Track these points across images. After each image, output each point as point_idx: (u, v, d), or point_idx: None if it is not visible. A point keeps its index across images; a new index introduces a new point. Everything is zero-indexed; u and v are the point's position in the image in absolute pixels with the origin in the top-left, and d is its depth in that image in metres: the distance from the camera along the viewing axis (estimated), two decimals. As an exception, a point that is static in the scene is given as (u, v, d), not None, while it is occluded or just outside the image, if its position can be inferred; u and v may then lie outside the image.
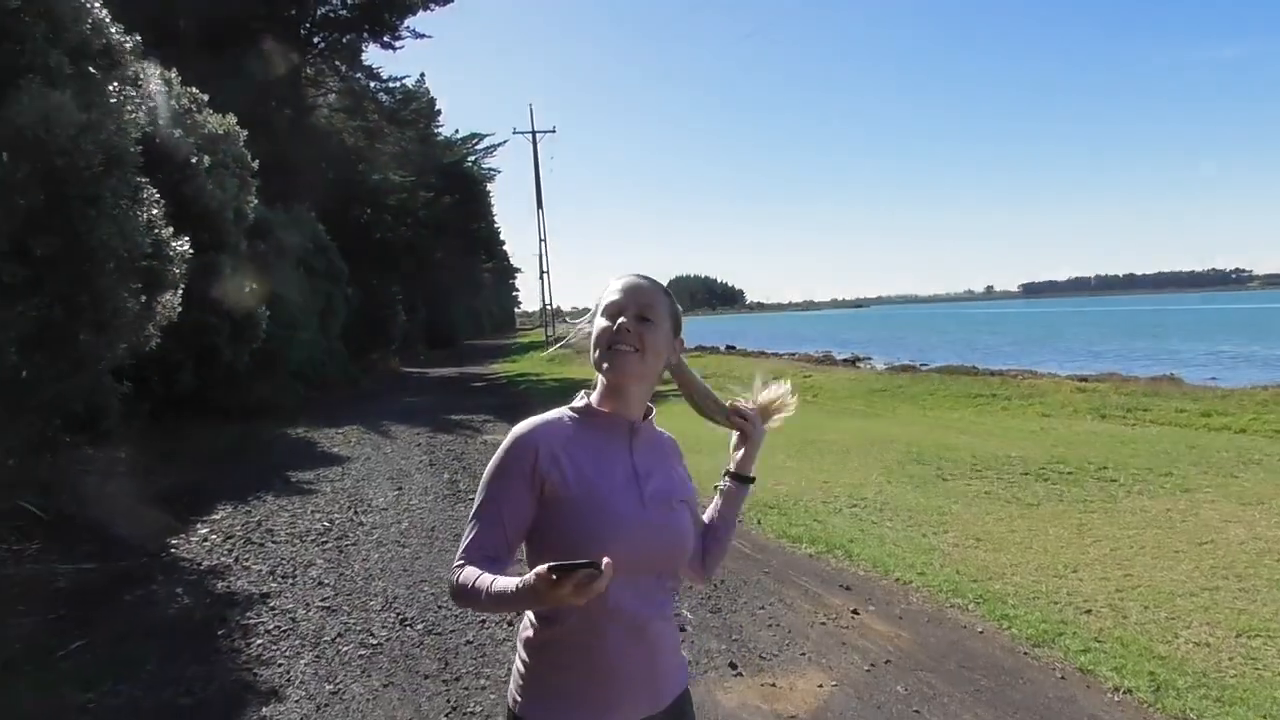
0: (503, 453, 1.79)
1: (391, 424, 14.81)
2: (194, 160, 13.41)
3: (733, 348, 43.47)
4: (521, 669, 1.78)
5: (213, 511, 8.26)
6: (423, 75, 40.39)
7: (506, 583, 1.54)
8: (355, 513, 8.08)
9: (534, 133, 39.87)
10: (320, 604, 5.51)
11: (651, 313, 1.76)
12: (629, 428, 1.80)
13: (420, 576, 6.02)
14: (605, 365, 1.77)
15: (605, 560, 1.38)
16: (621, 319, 1.74)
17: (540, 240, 38.84)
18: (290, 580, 5.99)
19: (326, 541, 7.02)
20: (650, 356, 1.75)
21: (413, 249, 35.88)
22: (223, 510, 8.31)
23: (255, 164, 15.25)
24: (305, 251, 20.25)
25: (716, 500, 2.02)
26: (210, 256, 13.64)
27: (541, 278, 39.90)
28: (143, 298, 7.82)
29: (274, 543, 7.03)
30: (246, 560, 6.53)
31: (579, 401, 1.84)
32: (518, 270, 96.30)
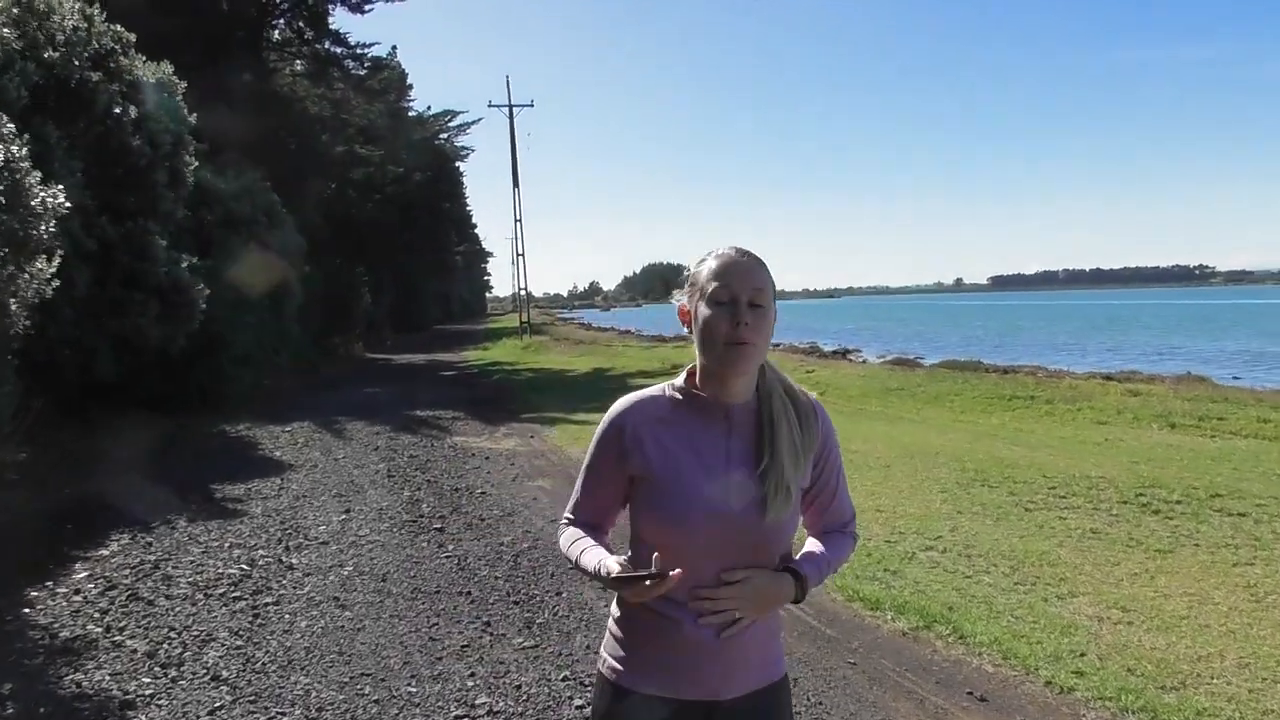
0: (601, 427, 1.81)
1: (348, 420, 12.94)
2: (117, 110, 11.45)
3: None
4: (609, 635, 1.80)
5: (103, 543, 6.40)
6: (394, 48, 38.26)
7: (589, 560, 1.68)
8: (286, 548, 6.25)
9: (510, 106, 37.85)
10: None
11: (763, 297, 1.65)
12: (725, 413, 1.70)
13: (363, 665, 4.22)
14: (721, 362, 1.65)
15: (673, 572, 1.50)
16: (737, 318, 1.62)
17: (516, 220, 36.91)
18: (173, 672, 4.15)
19: (239, 598, 5.20)
20: (764, 345, 1.67)
21: (380, 227, 33.84)
22: (116, 541, 6.45)
23: (193, 118, 13.24)
24: (258, 225, 18.26)
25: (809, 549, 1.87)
26: (137, 223, 11.71)
27: (516, 260, 37.95)
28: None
29: (167, 598, 5.20)
30: (122, 629, 4.69)
31: (680, 379, 1.77)
32: (489, 254, 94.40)
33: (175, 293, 12.32)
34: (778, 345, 33.90)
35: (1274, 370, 24.66)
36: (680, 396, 1.73)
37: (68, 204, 6.74)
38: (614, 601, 1.81)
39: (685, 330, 1.74)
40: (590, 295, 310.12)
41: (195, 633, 4.62)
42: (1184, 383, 17.42)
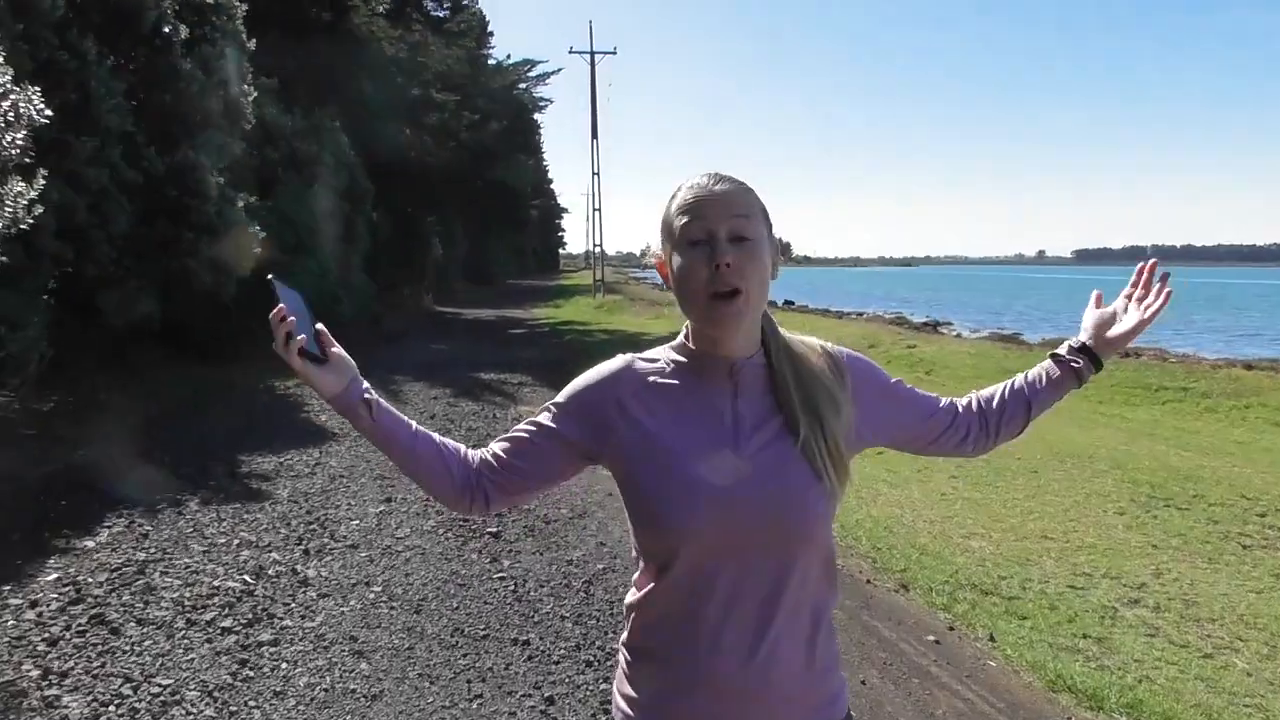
0: (581, 381, 1.44)
1: (406, 380, 11.82)
2: (167, 29, 10.34)
3: (791, 303, 40.34)
4: (620, 665, 1.46)
5: (92, 529, 5.30)
6: (476, -6, 37.00)
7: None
8: (305, 552, 5.06)
9: (592, 53, 36.27)
10: None
11: (749, 227, 1.30)
12: (728, 369, 1.36)
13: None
14: (708, 319, 1.32)
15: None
16: (715, 257, 1.27)
17: (593, 174, 35.47)
18: (106, 761, 2.98)
19: (230, 629, 4.00)
20: (757, 289, 1.30)
21: (453, 176, 32.77)
22: (108, 529, 5.34)
23: (253, 44, 12.09)
24: (324, 166, 17.22)
25: (1042, 372, 1.58)
26: (186, 155, 10.63)
27: (591, 215, 36.54)
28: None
29: (139, 624, 4.02)
30: (65, 677, 3.51)
31: (678, 339, 1.43)
32: (564, 209, 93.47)
33: (228, 233, 11.26)
34: (861, 315, 32.12)
35: None
36: (677, 357, 1.41)
37: (47, 111, 5.54)
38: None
39: (666, 286, 1.40)
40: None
41: (157, 688, 3.42)
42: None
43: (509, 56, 48.84)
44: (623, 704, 1.42)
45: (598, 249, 37.50)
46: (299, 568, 4.80)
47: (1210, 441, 8.60)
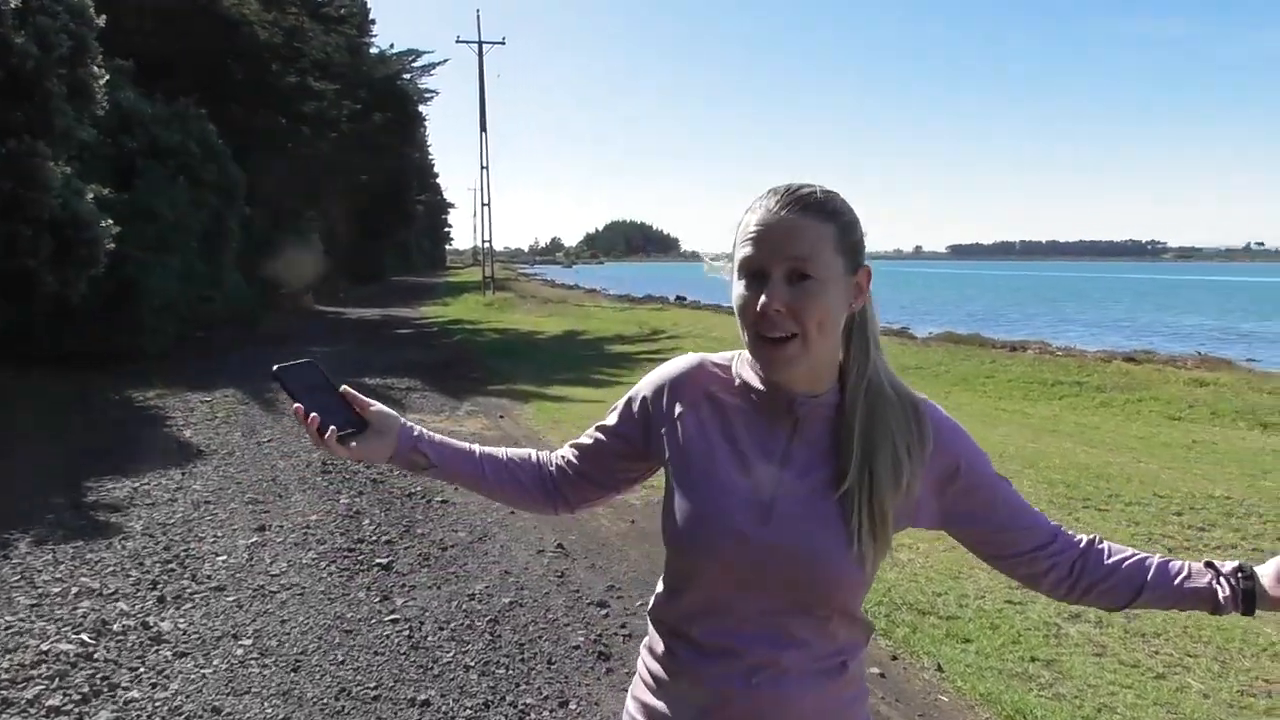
0: (648, 377, 1.38)
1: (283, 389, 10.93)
2: (-3, 0, 9.25)
3: (683, 299, 40.24)
4: (638, 669, 1.39)
5: (-105, 580, 4.47)
6: (355, -23, 35.53)
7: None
8: (161, 599, 4.34)
9: (480, 43, 35.26)
10: None
11: (812, 265, 1.16)
12: (789, 404, 1.24)
13: None
14: (755, 358, 1.23)
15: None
16: (764, 297, 1.16)
17: (482, 168, 34.49)
18: None
19: (61, 706, 3.27)
20: (816, 334, 1.17)
21: (335, 169, 31.43)
22: (-84, 578, 4.51)
23: (103, 20, 10.99)
24: (190, 156, 16.01)
25: (1184, 572, 1.28)
26: (24, 142, 9.55)
27: (481, 210, 35.56)
28: None
29: (-59, 707, 3.29)
30: None
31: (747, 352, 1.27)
32: (450, 205, 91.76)
33: (74, 229, 10.20)
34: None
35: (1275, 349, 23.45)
36: (746, 375, 1.28)
37: None
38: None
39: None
40: (551, 251, 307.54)
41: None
42: (1208, 364, 15.98)
43: (392, 46, 47.21)
44: (634, 712, 1.38)
45: (487, 245, 36.54)
46: (152, 620, 4.08)
47: (1111, 437, 8.55)
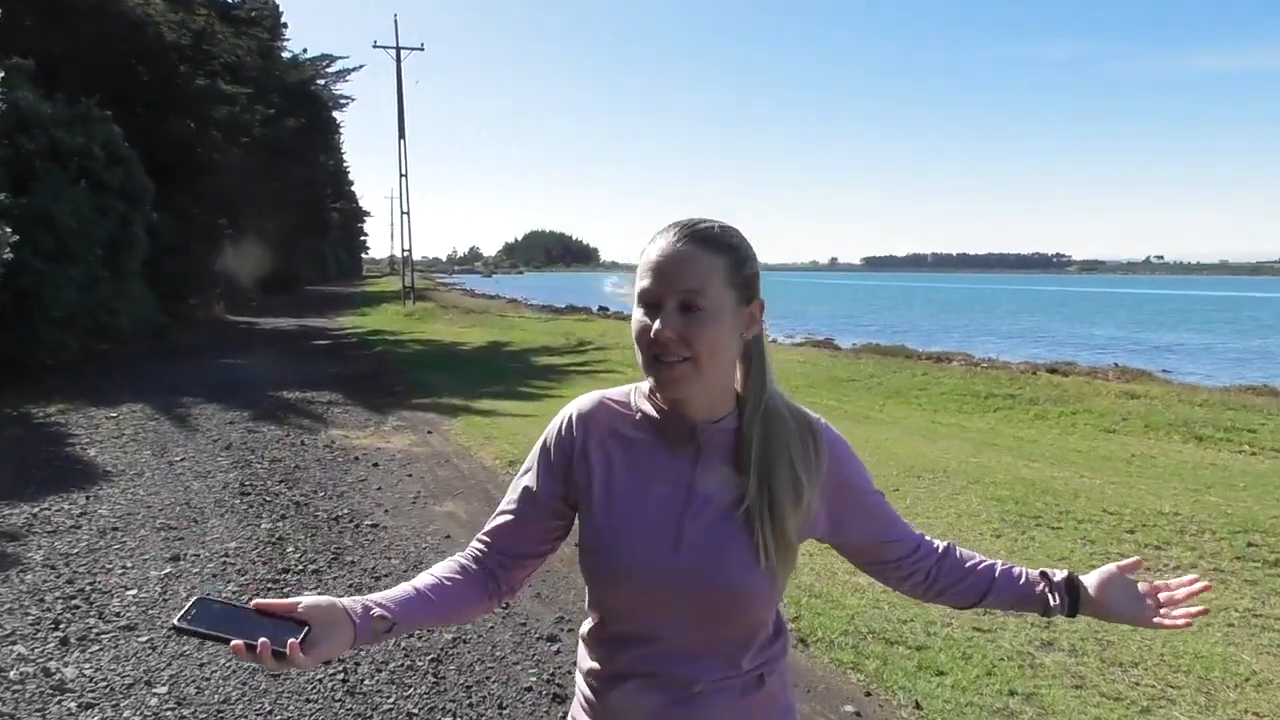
0: (550, 428, 1.41)
1: (196, 403, 10.41)
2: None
3: (605, 310, 40.12)
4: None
5: None
6: (267, -21, 34.51)
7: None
8: (64, 640, 3.94)
9: (398, 48, 34.50)
10: None
11: (702, 297, 1.23)
12: (690, 432, 1.30)
13: None
14: (652, 380, 1.30)
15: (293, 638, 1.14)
16: (657, 323, 1.23)
17: (401, 175, 33.67)
18: None
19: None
20: (708, 360, 1.24)
21: (247, 175, 30.45)
22: None
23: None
24: (93, 160, 15.23)
25: (1021, 578, 1.43)
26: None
27: (401, 218, 34.72)
28: None
29: None
30: None
31: (645, 383, 1.35)
32: (367, 213, 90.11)
33: (-35, 236, 9.55)
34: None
35: (1188, 361, 24.24)
36: (644, 408, 1.35)
37: None
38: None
39: None
40: (470, 260, 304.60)
41: None
42: (1128, 375, 16.38)
43: (305, 51, 46.03)
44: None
45: (406, 253, 35.80)
46: (53, 665, 3.69)
47: (1050, 451, 8.58)
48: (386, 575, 4.86)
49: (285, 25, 39.60)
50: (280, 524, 5.81)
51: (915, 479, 7.11)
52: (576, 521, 1.39)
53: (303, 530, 5.69)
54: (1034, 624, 4.26)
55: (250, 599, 1.21)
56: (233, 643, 1.12)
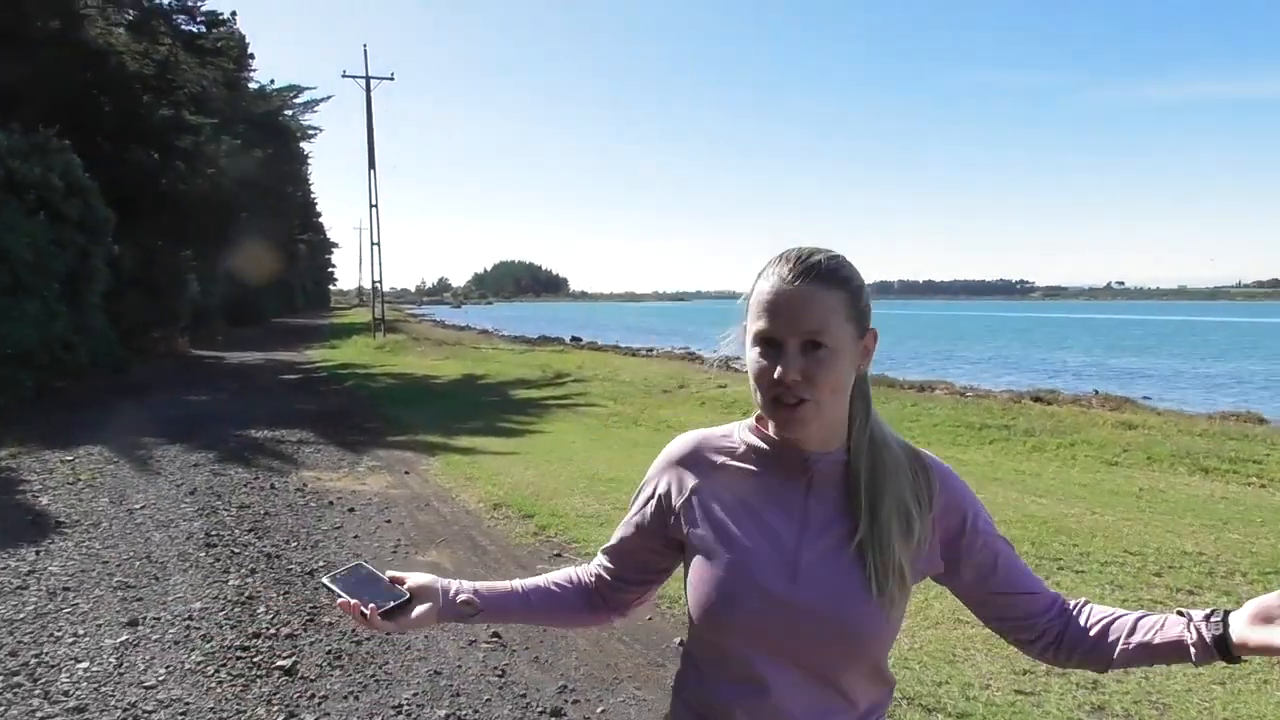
0: (651, 470, 1.42)
1: (158, 444, 9.88)
2: None
3: (578, 340, 39.80)
4: None
5: None
6: (234, 13, 33.93)
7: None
8: (2, 730, 3.49)
9: (368, 79, 34.10)
10: None
11: (825, 335, 1.20)
12: (803, 463, 1.28)
13: None
14: (771, 420, 1.27)
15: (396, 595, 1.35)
16: (779, 367, 1.19)
17: (371, 205, 33.09)
18: None
19: None
20: (828, 396, 1.22)
21: (213, 206, 29.87)
22: None
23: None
24: (51, 191, 14.71)
25: (1155, 627, 1.26)
26: None
27: (371, 249, 34.15)
28: None
29: None
30: None
31: (752, 419, 1.36)
32: (334, 244, 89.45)
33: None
34: (651, 351, 31.63)
35: (1165, 387, 24.20)
36: (752, 441, 1.33)
37: None
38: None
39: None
40: (439, 291, 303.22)
41: None
42: (1110, 403, 16.21)
43: (273, 81, 45.61)
44: None
45: (377, 284, 35.24)
46: (-12, 761, 3.23)
47: (1054, 485, 8.26)
48: (368, 638, 4.41)
49: (252, 56, 39.10)
50: (250, 580, 5.34)
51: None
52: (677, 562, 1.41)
53: (275, 587, 5.23)
54: (1081, 685, 3.90)
55: (387, 573, 1.38)
56: (338, 600, 1.32)
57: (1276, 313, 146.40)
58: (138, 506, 7.11)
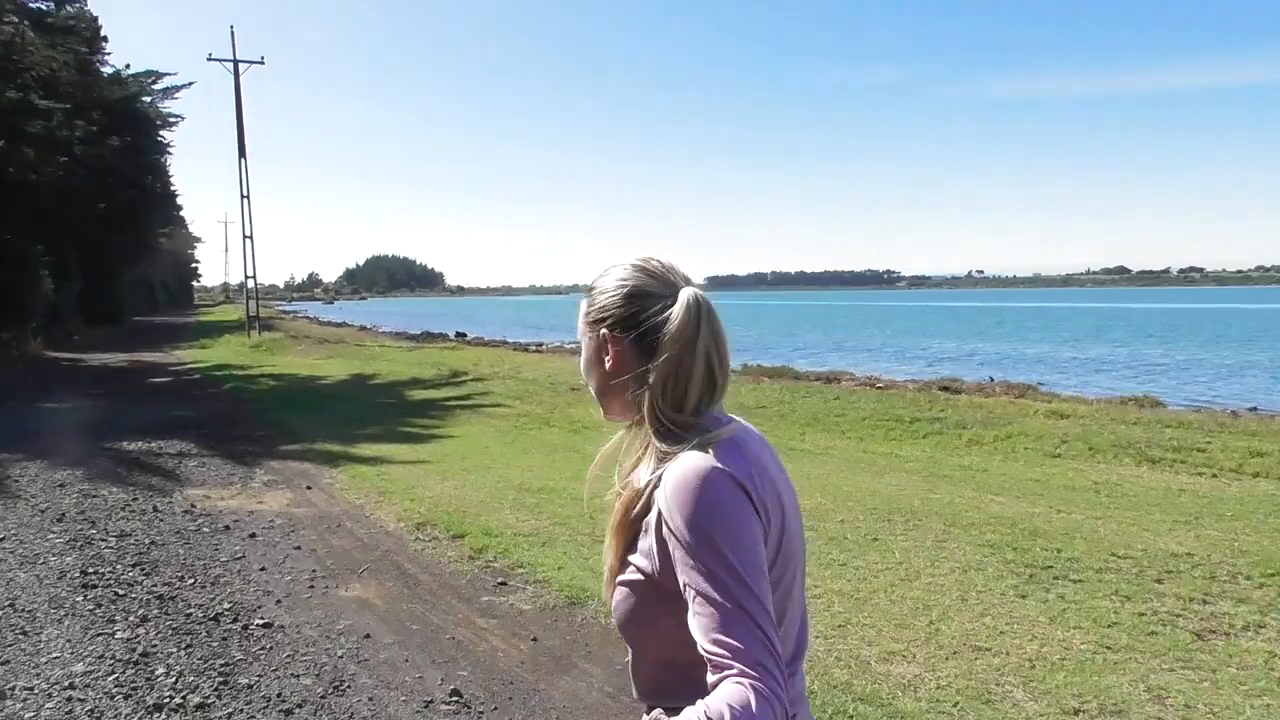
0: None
1: (15, 462, 8.74)
2: None
3: (463, 335, 38.77)
4: None
5: None
6: (84, -9, 31.54)
7: None
8: None
9: (236, 62, 32.02)
10: None
11: (580, 333, 1.39)
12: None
13: None
14: None
15: None
16: None
17: (243, 196, 31.08)
18: None
19: None
20: (590, 381, 1.38)
21: (66, 197, 27.66)
22: None
23: None
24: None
25: None
26: None
27: (244, 242, 32.19)
28: None
29: None
30: None
31: None
32: (197, 239, 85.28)
33: None
34: (540, 346, 30.86)
35: (1054, 372, 24.79)
36: None
37: None
38: None
39: None
40: (310, 287, 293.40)
41: None
42: (1014, 390, 16.37)
43: (129, 66, 42.70)
44: None
45: (251, 279, 33.33)
46: None
47: (1005, 481, 7.98)
48: (300, 705, 3.68)
49: (105, 39, 36.70)
50: (141, 630, 4.51)
51: (887, 522, 6.34)
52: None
53: (173, 638, 4.41)
54: (1125, 717, 3.50)
55: None
56: None
57: (1125, 297, 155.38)
58: (-5, 540, 6.11)
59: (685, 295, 1.26)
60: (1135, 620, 4.39)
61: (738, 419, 1.32)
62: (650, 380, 1.25)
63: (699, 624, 1.10)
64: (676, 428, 1.23)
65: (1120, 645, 4.13)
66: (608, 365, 1.31)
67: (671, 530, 1.16)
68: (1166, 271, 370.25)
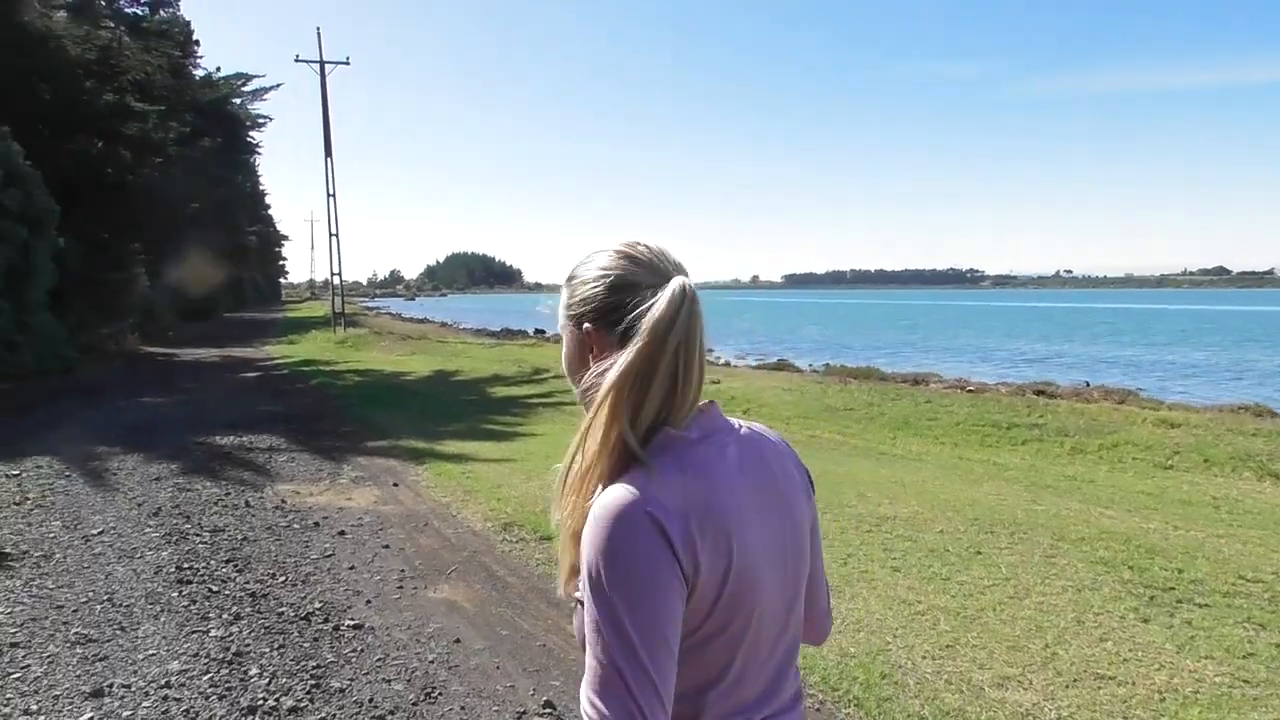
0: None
1: (113, 453, 8.95)
2: None
3: (542, 332, 38.96)
4: None
5: None
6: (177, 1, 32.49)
7: None
8: None
9: (322, 62, 32.72)
10: None
11: (560, 325, 1.34)
12: None
13: None
14: None
15: None
16: None
17: (328, 195, 31.81)
18: None
19: None
20: (574, 378, 1.30)
21: (161, 197, 28.51)
22: None
23: None
24: (-12, 180, 13.57)
25: None
26: None
27: (330, 240, 32.93)
28: None
29: None
30: None
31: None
32: (285, 237, 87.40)
33: None
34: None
35: (1151, 378, 23.91)
36: None
37: None
38: None
39: None
40: (392, 284, 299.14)
41: None
42: (1113, 396, 15.76)
43: (219, 69, 43.96)
44: None
45: (337, 276, 34.01)
46: None
47: (1114, 493, 7.60)
48: (392, 711, 3.62)
49: (197, 42, 37.73)
50: (235, 628, 4.51)
51: (990, 534, 6.06)
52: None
53: (265, 637, 4.40)
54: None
55: None
56: None
57: (1226, 300, 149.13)
58: (95, 532, 6.23)
59: (673, 284, 1.18)
60: (1274, 652, 4.08)
61: (739, 426, 1.24)
62: (612, 375, 1.15)
63: (586, 672, 1.08)
64: (627, 443, 1.13)
65: (1259, 679, 3.83)
66: (592, 363, 1.24)
67: (585, 567, 1.10)
68: (1270, 273, 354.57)
